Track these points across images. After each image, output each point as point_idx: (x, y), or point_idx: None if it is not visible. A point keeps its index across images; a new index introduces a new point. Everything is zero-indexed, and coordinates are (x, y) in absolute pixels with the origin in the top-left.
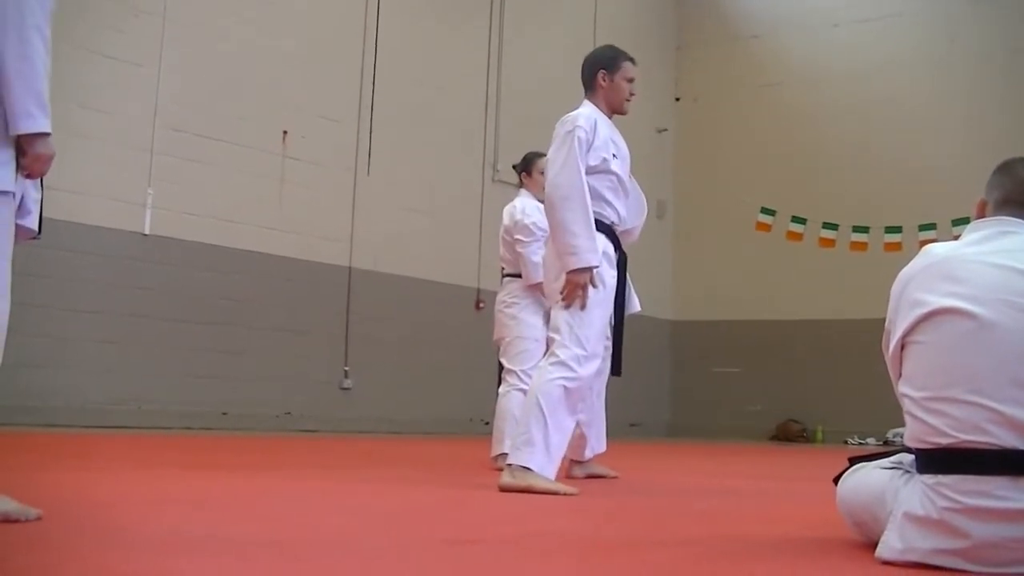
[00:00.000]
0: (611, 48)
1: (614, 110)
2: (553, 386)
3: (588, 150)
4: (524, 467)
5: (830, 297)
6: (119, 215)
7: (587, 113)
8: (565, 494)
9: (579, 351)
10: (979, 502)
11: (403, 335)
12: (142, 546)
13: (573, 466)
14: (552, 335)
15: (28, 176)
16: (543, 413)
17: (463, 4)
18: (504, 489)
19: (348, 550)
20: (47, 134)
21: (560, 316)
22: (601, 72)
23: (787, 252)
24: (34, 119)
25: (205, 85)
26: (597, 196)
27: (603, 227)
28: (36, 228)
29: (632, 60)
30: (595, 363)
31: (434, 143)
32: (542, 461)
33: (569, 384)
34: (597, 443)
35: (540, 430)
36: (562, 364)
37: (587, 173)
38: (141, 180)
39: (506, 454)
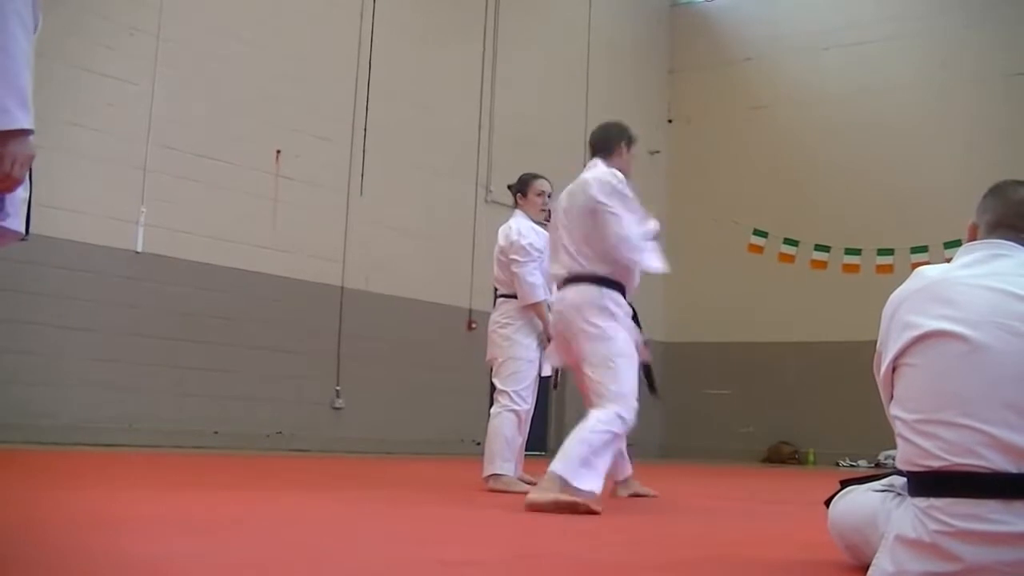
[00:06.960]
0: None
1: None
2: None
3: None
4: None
5: (822, 319)
6: (112, 233)
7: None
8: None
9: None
10: (971, 525)
11: (395, 355)
12: (132, 566)
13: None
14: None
15: (4, 190)
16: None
17: (457, 26)
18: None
19: (339, 571)
20: (25, 132)
21: None
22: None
23: (779, 274)
24: (10, 114)
25: (199, 104)
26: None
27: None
28: (23, 230)
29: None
30: None
31: (427, 163)
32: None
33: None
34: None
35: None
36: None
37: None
38: (134, 198)
39: (497, 475)
